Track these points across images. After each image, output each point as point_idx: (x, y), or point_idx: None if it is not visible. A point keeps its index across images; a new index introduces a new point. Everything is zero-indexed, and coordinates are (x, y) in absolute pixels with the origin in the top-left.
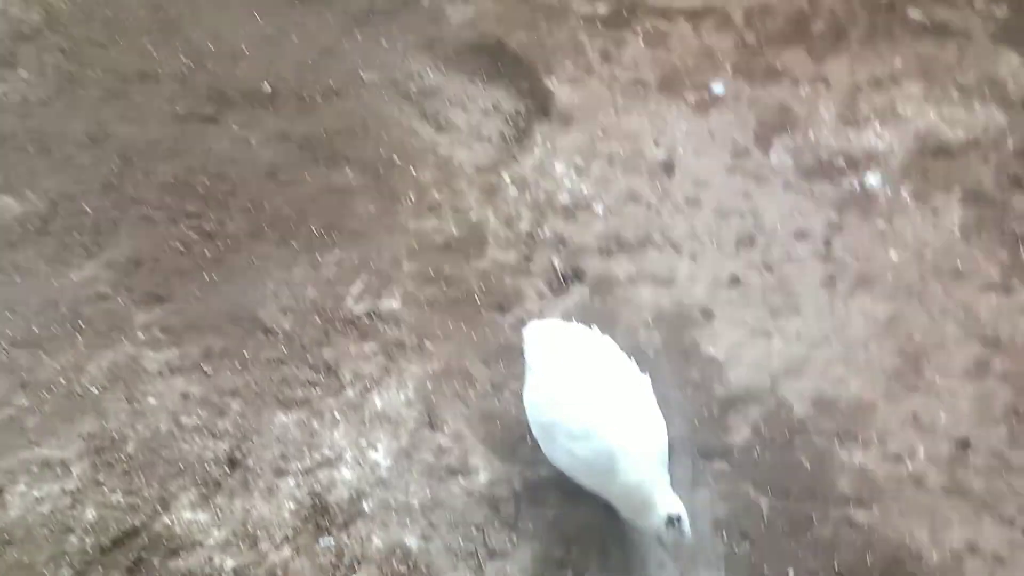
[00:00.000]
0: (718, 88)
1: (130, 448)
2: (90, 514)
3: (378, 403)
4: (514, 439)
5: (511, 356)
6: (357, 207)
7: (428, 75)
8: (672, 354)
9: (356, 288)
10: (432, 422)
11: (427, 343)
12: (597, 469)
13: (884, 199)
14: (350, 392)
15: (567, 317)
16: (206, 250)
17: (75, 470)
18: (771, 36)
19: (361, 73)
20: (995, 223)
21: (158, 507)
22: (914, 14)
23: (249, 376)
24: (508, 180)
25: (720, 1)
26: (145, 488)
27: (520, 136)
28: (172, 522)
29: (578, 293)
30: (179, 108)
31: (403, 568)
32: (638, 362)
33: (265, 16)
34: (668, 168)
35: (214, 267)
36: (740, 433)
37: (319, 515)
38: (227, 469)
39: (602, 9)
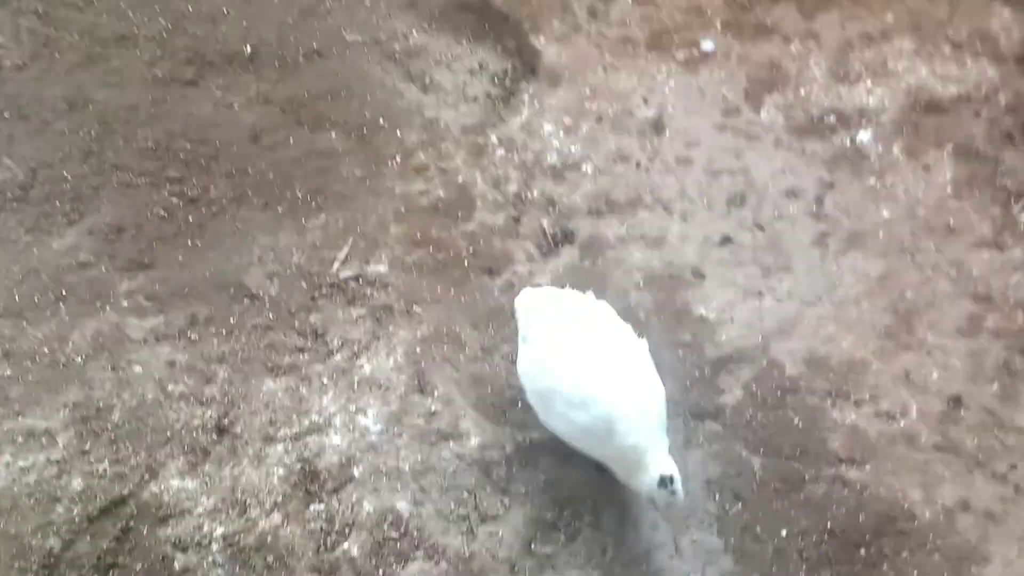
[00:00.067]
0: (708, 45)
1: (116, 417)
2: (77, 483)
3: (367, 368)
4: (505, 403)
5: (501, 319)
6: (342, 170)
7: (412, 35)
8: (663, 315)
9: (342, 252)
10: (422, 387)
11: (415, 307)
12: (595, 435)
13: (876, 156)
14: (338, 357)
15: (557, 279)
16: (189, 216)
17: (60, 440)
18: None
19: (344, 33)
20: (987, 179)
21: (145, 475)
22: None
23: (235, 342)
24: (495, 141)
25: None
26: (132, 457)
27: (507, 96)
28: (160, 490)
29: (568, 255)
30: (158, 72)
31: (394, 533)
32: (629, 325)
33: None
34: (658, 127)
35: (198, 233)
36: (732, 393)
37: (309, 481)
38: (215, 436)
39: None
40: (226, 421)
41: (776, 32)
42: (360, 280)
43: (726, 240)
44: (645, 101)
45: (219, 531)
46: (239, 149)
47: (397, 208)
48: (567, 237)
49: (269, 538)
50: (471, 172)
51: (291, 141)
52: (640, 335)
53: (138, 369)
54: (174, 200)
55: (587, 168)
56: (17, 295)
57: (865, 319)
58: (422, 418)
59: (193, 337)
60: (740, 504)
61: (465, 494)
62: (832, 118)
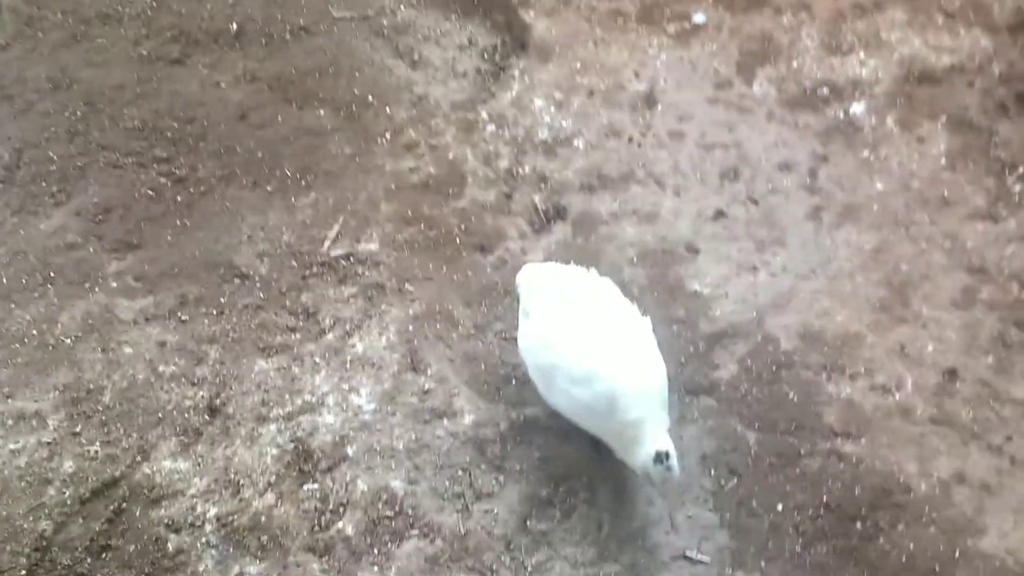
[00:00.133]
0: (699, 18)
1: (107, 398)
2: (68, 465)
3: (359, 347)
4: (499, 380)
5: (493, 297)
6: (331, 148)
7: (400, 10)
8: (657, 291)
9: (333, 231)
10: (415, 365)
11: (407, 285)
12: (597, 411)
13: (869, 128)
14: (330, 336)
15: (549, 256)
16: (178, 196)
17: (51, 422)
18: None
19: (331, 9)
20: (981, 150)
21: (137, 457)
22: None
23: (226, 323)
24: (486, 117)
25: None
26: (124, 438)
27: (497, 71)
28: (152, 471)
29: (560, 231)
30: (143, 50)
31: (389, 511)
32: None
33: None
34: (649, 101)
35: (186, 213)
36: (727, 369)
37: (302, 461)
38: (207, 417)
39: None
40: (218, 401)
41: (768, 4)
42: (351, 258)
43: (719, 214)
44: (636, 75)
45: (212, 512)
46: (226, 128)
47: (387, 185)
48: (559, 213)
49: (263, 518)
50: (462, 149)
51: (279, 119)
52: (644, 313)
53: (128, 350)
54: (162, 180)
55: (579, 143)
56: (4, 277)
57: (859, 292)
58: (415, 396)
59: (183, 317)
60: (736, 479)
61: (460, 472)
62: (825, 90)
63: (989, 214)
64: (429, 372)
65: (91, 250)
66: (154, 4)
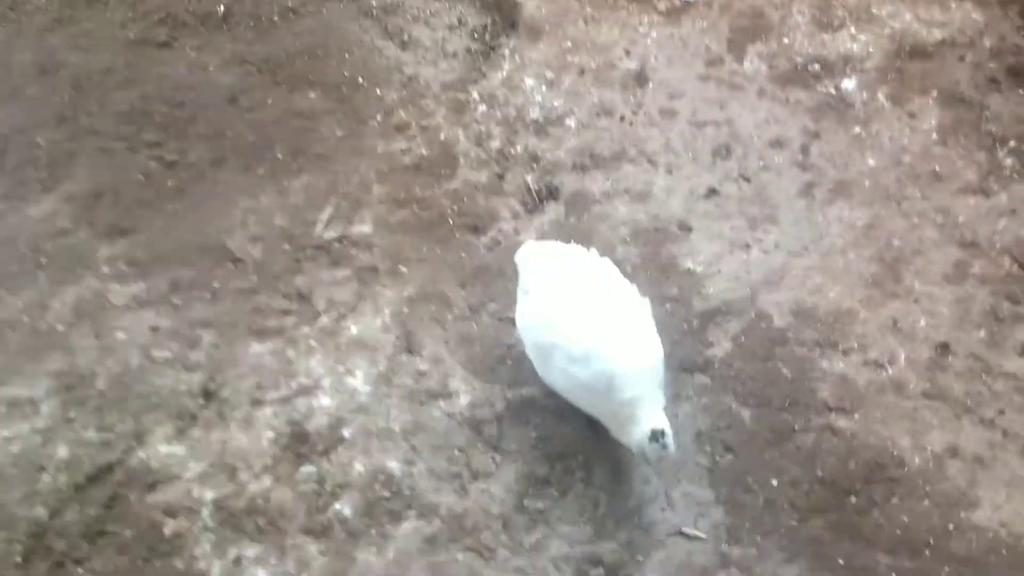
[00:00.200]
0: None
1: (100, 384)
2: (62, 452)
3: (354, 329)
4: (494, 360)
5: (487, 277)
6: (322, 130)
7: None
8: (650, 269)
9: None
10: (410, 347)
11: (401, 267)
12: (594, 390)
13: (860, 104)
14: (325, 319)
15: (543, 236)
16: (168, 180)
17: (44, 408)
18: None
19: None
20: (973, 125)
21: (132, 442)
22: None
23: (220, 307)
24: (477, 97)
25: None
26: (118, 424)
27: (487, 51)
28: (148, 457)
29: (553, 211)
30: (131, 33)
31: (386, 492)
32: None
33: None
34: (640, 79)
35: (177, 197)
36: (720, 346)
37: (299, 443)
38: (202, 401)
39: None
40: (213, 386)
41: None
42: (344, 241)
43: (712, 192)
44: (627, 53)
45: (209, 496)
46: (216, 111)
47: (379, 167)
48: (552, 193)
49: (260, 501)
50: (453, 129)
51: (269, 102)
52: (643, 295)
53: (121, 335)
54: (152, 164)
55: (570, 122)
56: None
57: (852, 268)
58: (411, 378)
59: (176, 302)
60: (731, 455)
61: (456, 452)
62: (816, 66)
63: (981, 188)
64: (424, 353)
65: (82, 235)
66: None
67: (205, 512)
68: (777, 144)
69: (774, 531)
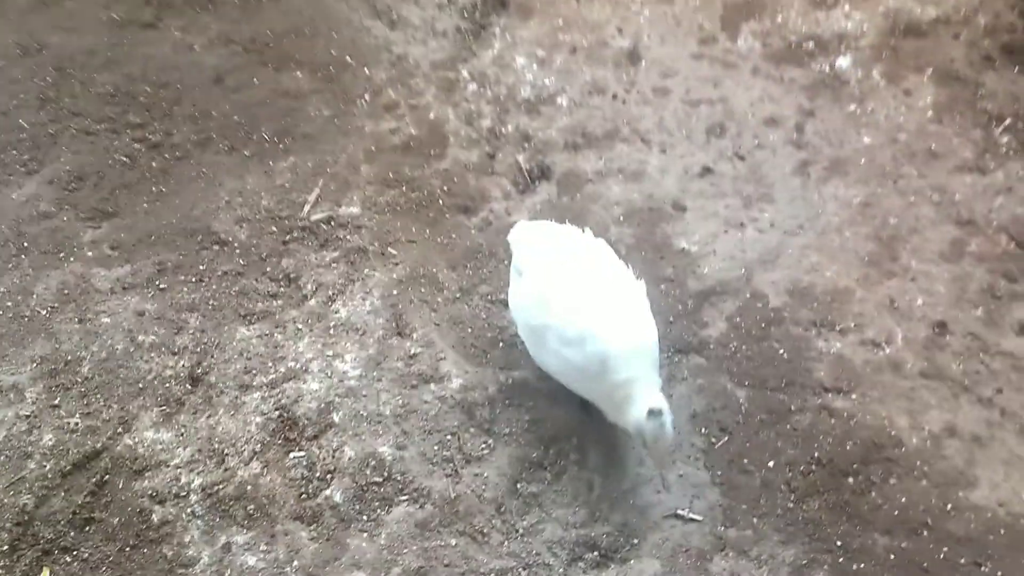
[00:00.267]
0: None
1: (85, 370)
2: (48, 438)
3: (343, 312)
4: (486, 343)
5: (478, 259)
6: (310, 111)
7: None
8: (644, 250)
9: (313, 195)
10: (400, 329)
11: (390, 249)
12: (588, 373)
13: (855, 82)
14: (313, 302)
15: (535, 216)
16: (153, 162)
17: (29, 395)
18: None
19: None
20: (968, 102)
21: (119, 428)
22: None
23: (206, 290)
24: (467, 76)
25: None
26: (104, 410)
27: (477, 29)
28: (134, 443)
29: (545, 191)
30: (115, 14)
31: (377, 477)
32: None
33: None
34: (633, 57)
35: (162, 179)
36: (716, 326)
37: (287, 428)
38: (189, 386)
39: None
40: (200, 370)
41: None
42: (332, 223)
43: (706, 171)
44: (620, 31)
45: (197, 482)
46: (202, 92)
47: (368, 148)
48: (544, 173)
49: (249, 487)
50: (443, 109)
51: (255, 82)
52: (637, 276)
53: (106, 320)
54: (136, 146)
55: (562, 101)
56: None
57: (848, 247)
58: (401, 361)
59: (162, 286)
60: (726, 437)
61: (448, 436)
62: (810, 44)
63: (977, 166)
64: (415, 336)
65: (65, 219)
66: None
67: (193, 498)
68: (772, 122)
69: (771, 513)
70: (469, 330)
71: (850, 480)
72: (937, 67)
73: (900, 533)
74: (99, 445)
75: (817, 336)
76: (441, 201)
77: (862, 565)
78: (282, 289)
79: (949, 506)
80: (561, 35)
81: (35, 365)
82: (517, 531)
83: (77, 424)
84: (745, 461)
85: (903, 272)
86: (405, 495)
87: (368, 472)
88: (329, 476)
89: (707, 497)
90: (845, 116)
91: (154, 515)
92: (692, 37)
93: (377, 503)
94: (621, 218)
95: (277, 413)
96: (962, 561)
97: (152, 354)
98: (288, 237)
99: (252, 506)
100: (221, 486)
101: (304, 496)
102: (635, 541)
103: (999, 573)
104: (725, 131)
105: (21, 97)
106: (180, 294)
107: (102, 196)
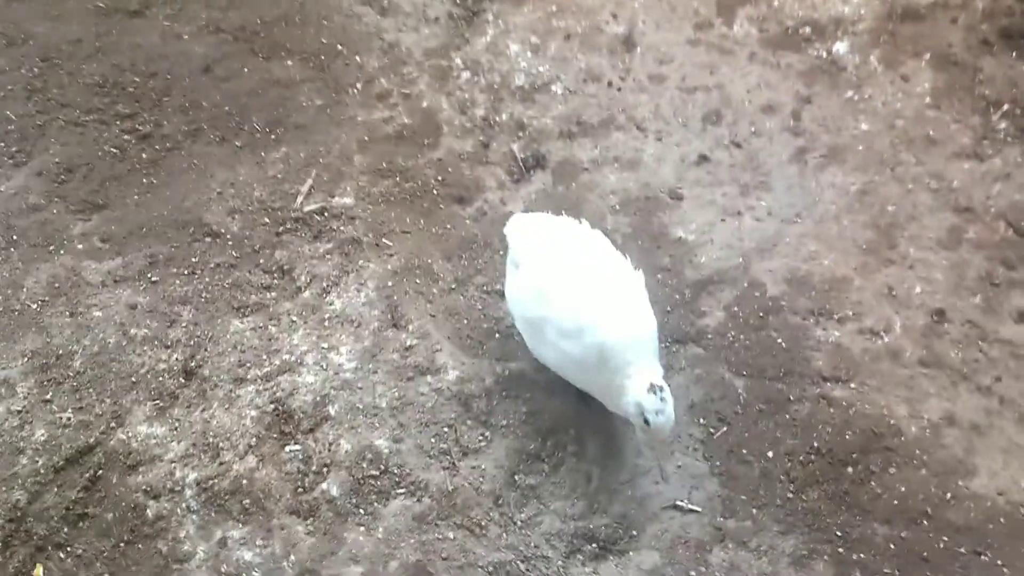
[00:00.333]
0: None
1: (77, 364)
2: (40, 434)
3: (337, 304)
4: (482, 334)
5: (473, 249)
6: (301, 100)
7: None
8: (641, 239)
9: (305, 185)
10: (395, 321)
11: (384, 240)
12: (587, 365)
13: (852, 68)
14: (307, 294)
15: (530, 206)
16: (143, 153)
17: (20, 389)
18: None
19: None
20: (965, 88)
21: (112, 423)
22: None
23: (199, 283)
24: (460, 63)
25: None
26: (97, 404)
27: (470, 16)
28: (128, 437)
29: (540, 180)
30: (101, 2)
31: (374, 471)
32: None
33: None
34: (628, 43)
35: (152, 170)
36: (713, 316)
37: (283, 422)
38: (182, 380)
39: None
40: (193, 364)
41: None
42: (325, 213)
43: (703, 159)
44: (614, 17)
45: (192, 476)
46: (191, 81)
47: (360, 137)
48: (539, 161)
49: (244, 481)
50: (436, 97)
51: (245, 71)
52: (635, 266)
53: (98, 313)
54: (125, 137)
55: (557, 89)
56: None
57: (846, 235)
58: (397, 353)
59: (154, 278)
60: (725, 427)
61: (445, 429)
62: (807, 29)
63: (975, 153)
64: (410, 328)
65: (54, 211)
66: None
67: (188, 493)
68: (768, 109)
69: (770, 503)
70: (465, 321)
71: (849, 470)
72: (935, 52)
73: (899, 522)
74: (92, 440)
75: (815, 325)
76: (435, 191)
77: (862, 555)
78: (276, 281)
79: (948, 495)
80: (555, 21)
81: (26, 359)
82: (515, 523)
83: (70, 419)
84: (744, 451)
85: (901, 260)
86: (402, 488)
87: (365, 465)
88: (325, 470)
89: (706, 488)
90: (842, 102)
91: (148, 510)
92: (687, 22)
93: (374, 496)
94: (617, 207)
95: (272, 406)
96: (962, 550)
97: (145, 347)
98: (281, 228)
99: (248, 500)
100: (216, 480)
101: (300, 490)
102: (634, 532)
103: (999, 561)
104: (721, 118)
105: (8, 88)
106: (172, 287)
107: (92, 188)
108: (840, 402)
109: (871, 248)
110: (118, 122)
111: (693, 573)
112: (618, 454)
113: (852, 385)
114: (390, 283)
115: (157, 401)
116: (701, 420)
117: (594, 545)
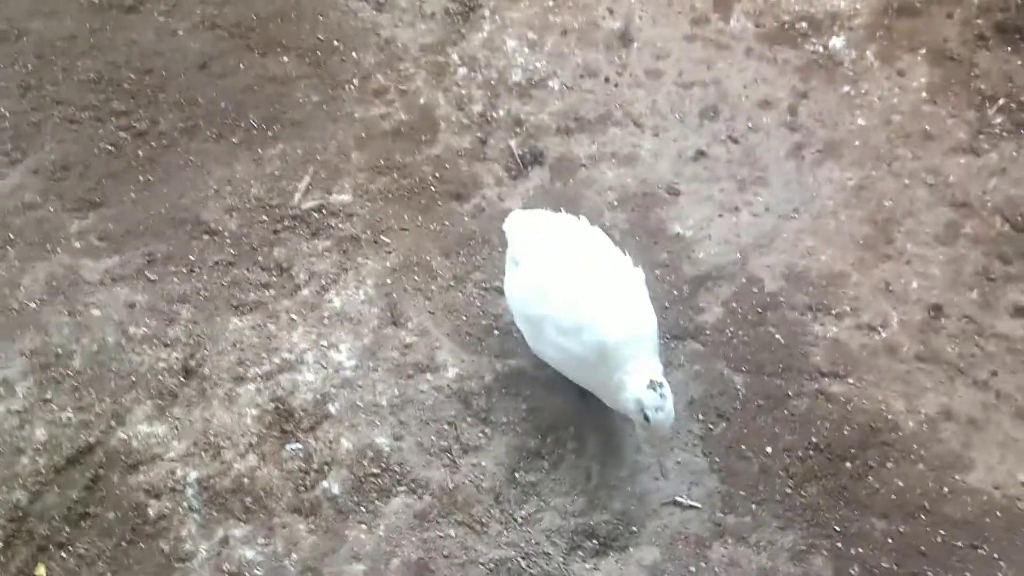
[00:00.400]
0: None
1: (76, 363)
2: (40, 433)
3: (336, 302)
4: (481, 331)
5: (472, 246)
6: (298, 96)
7: None
8: (639, 235)
9: (303, 182)
10: (395, 319)
11: (383, 237)
12: (587, 362)
13: (849, 63)
14: (306, 292)
15: (528, 202)
16: (139, 150)
17: (19, 389)
18: None
19: None
20: (962, 82)
21: (112, 422)
22: None
23: (197, 281)
24: (457, 59)
25: None
26: (96, 403)
27: (466, 11)
28: (128, 436)
29: (538, 176)
30: None
31: (375, 468)
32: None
33: None
34: (625, 39)
35: (149, 168)
36: (712, 312)
37: (283, 420)
38: (182, 379)
39: None
40: (193, 362)
41: None
42: (323, 211)
43: (700, 155)
44: (611, 12)
45: (193, 475)
46: (187, 78)
47: (358, 134)
48: (536, 158)
49: (246, 480)
50: (433, 93)
51: (242, 67)
52: (635, 263)
53: (96, 312)
54: (121, 134)
55: (554, 84)
56: None
57: (843, 230)
58: (397, 351)
59: (152, 277)
60: (724, 423)
61: (446, 426)
62: (804, 24)
63: (971, 147)
64: (409, 325)
65: (51, 209)
66: None
67: (189, 492)
68: (765, 104)
69: (769, 498)
70: (464, 318)
71: (847, 465)
72: (931, 47)
73: (897, 517)
74: (92, 439)
75: (813, 320)
76: (433, 188)
77: (860, 549)
78: (274, 279)
79: (946, 489)
80: (552, 16)
81: (25, 359)
82: (516, 520)
83: (70, 418)
84: (743, 447)
85: (898, 255)
86: (403, 486)
87: (366, 463)
88: (326, 468)
89: (705, 484)
90: (839, 97)
91: (150, 509)
92: (684, 18)
93: (375, 494)
94: (615, 203)
95: (272, 405)
96: (959, 544)
97: (144, 346)
98: (279, 226)
99: (249, 499)
100: (217, 479)
101: (301, 488)
102: (634, 529)
103: (995, 555)
104: (719, 114)
105: (2, 85)
106: (171, 285)
107: (88, 186)
108: (838, 397)
109: (868, 243)
110: (114, 119)
111: (693, 568)
112: (618, 451)
113: (850, 380)
114: (389, 280)
115: (157, 400)
116: (700, 416)
117: (594, 541)
